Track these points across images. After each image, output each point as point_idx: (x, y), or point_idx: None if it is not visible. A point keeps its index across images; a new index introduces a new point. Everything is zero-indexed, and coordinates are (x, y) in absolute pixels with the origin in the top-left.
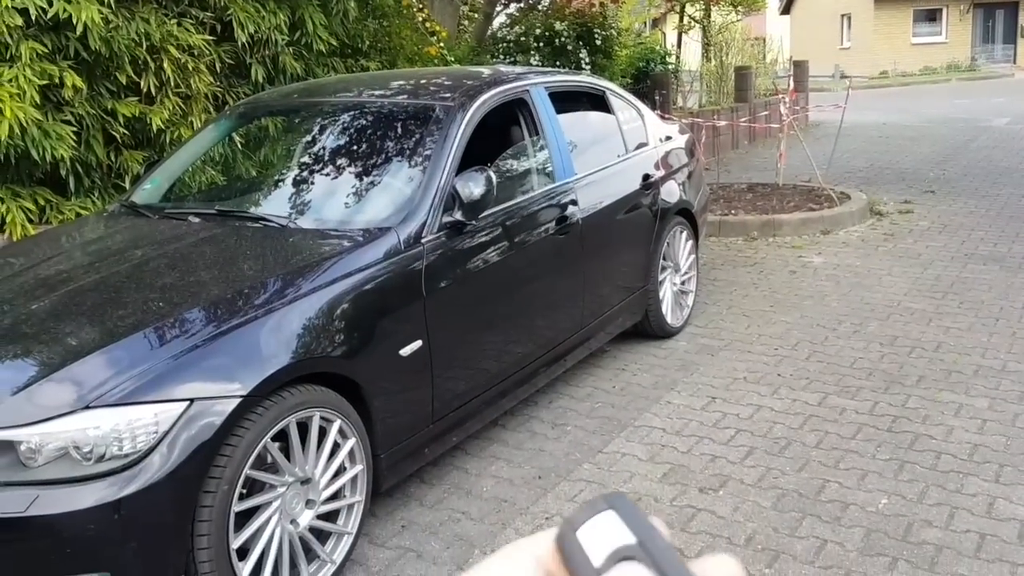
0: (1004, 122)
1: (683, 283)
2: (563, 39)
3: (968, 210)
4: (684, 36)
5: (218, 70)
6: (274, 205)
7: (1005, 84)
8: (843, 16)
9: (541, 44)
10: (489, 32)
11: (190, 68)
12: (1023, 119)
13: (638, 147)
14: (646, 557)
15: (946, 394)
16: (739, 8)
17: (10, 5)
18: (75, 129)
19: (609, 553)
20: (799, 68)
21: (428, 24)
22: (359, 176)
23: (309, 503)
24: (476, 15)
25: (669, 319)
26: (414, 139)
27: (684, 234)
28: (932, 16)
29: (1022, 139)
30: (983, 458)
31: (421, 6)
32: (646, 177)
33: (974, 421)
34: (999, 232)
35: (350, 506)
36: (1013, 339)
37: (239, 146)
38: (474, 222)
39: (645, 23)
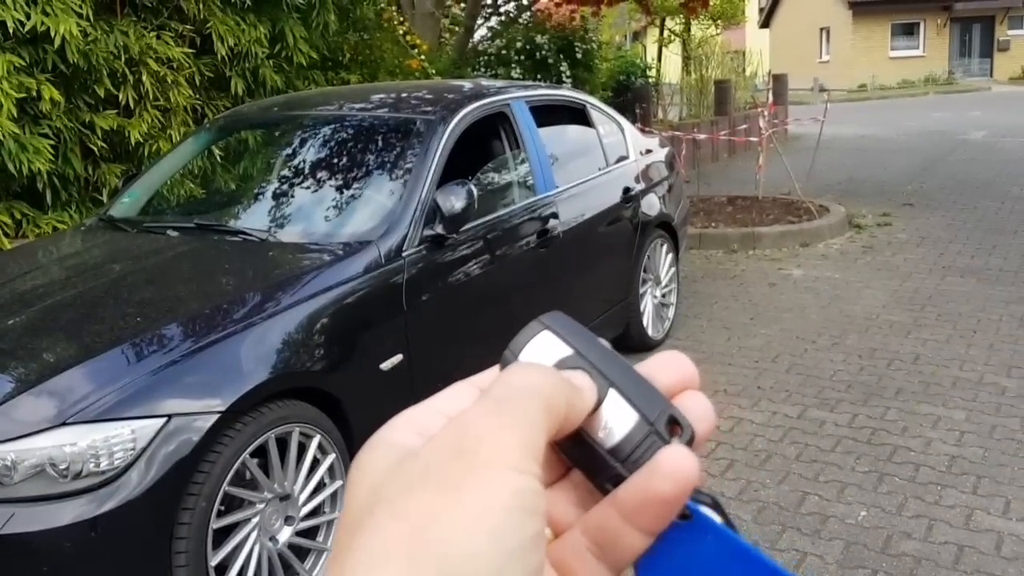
0: (981, 135)
1: (664, 295)
2: (544, 52)
3: (946, 223)
4: (664, 49)
5: (197, 83)
6: (254, 219)
7: (982, 97)
8: (822, 30)
9: (522, 57)
10: (470, 45)
11: (169, 81)
12: (1000, 132)
13: (618, 160)
14: (585, 363)
15: (924, 406)
16: (719, 22)
17: None
18: (52, 142)
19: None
20: (778, 81)
21: (409, 37)
22: (339, 189)
23: (288, 520)
24: (457, 28)
25: (650, 331)
26: (395, 153)
27: (665, 247)
28: (910, 30)
29: (999, 152)
30: (961, 470)
31: (402, 19)
32: (627, 190)
33: (952, 433)
34: (976, 245)
35: (330, 522)
36: (990, 351)
37: (218, 159)
38: (455, 235)
39: (626, 36)
